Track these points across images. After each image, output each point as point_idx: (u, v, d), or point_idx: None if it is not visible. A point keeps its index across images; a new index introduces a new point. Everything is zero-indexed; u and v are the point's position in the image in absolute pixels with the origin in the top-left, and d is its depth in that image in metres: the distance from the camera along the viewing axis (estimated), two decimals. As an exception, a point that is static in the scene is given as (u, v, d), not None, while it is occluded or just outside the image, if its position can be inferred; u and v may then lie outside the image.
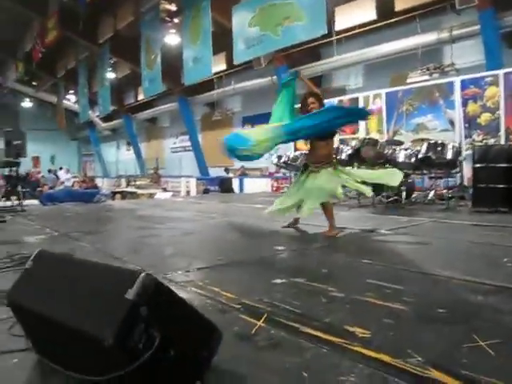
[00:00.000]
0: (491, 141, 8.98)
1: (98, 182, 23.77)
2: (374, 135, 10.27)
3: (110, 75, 22.46)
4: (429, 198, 8.07)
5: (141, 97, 23.22)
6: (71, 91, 28.67)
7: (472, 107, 9.39)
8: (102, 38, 20.56)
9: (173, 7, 17.20)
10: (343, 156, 8.34)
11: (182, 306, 1.44)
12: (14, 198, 8.43)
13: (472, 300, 2.31)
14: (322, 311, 2.13)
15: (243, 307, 2.22)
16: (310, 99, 4.74)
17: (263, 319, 2.02)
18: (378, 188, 6.04)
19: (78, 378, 1.34)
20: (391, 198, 7.61)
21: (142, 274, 1.30)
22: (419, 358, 1.60)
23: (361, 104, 11.29)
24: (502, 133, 8.90)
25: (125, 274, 1.36)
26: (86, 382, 1.33)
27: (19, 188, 8.31)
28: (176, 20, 17.47)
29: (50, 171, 21.66)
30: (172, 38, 18.10)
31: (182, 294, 2.47)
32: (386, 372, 1.52)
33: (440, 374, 1.50)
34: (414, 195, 8.41)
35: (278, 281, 2.70)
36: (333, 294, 2.41)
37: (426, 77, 10.96)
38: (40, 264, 1.60)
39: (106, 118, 27.69)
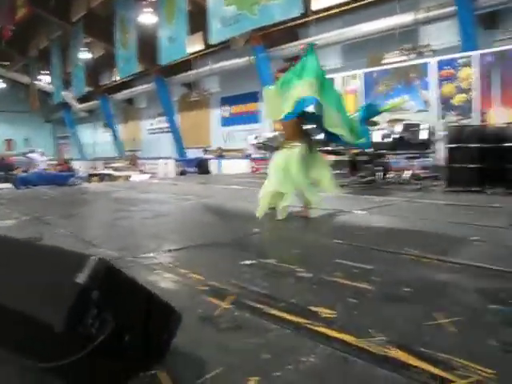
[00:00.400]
0: (465, 121, 9.06)
1: (75, 164, 23.41)
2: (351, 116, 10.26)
3: (85, 55, 21.92)
4: (404, 178, 8.14)
5: (117, 77, 22.76)
6: (44, 71, 27.94)
7: (447, 88, 9.44)
8: (75, 16, 20.01)
9: (148, -15, 16.81)
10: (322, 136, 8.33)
11: (137, 289, 1.40)
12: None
13: (437, 278, 2.33)
14: (289, 292, 2.13)
15: (210, 289, 2.20)
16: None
17: (228, 301, 2.01)
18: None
19: (32, 366, 1.31)
20: (367, 178, 7.66)
21: (93, 257, 1.27)
22: (382, 338, 1.61)
23: (338, 84, 11.26)
24: (476, 113, 8.98)
25: (76, 258, 1.32)
26: (40, 368, 1.30)
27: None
28: (152, -2, 17.09)
29: (24, 154, 21.15)
30: (147, 18, 17.66)
31: (150, 276, 2.47)
32: (346, 352, 1.52)
33: (401, 352, 1.51)
34: (389, 175, 8.48)
35: (248, 262, 2.69)
36: (301, 275, 2.41)
37: (403, 57, 10.97)
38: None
39: (82, 99, 27.11)
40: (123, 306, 1.33)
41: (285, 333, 1.69)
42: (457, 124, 8.95)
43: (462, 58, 9.32)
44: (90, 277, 1.22)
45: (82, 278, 1.21)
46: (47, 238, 3.48)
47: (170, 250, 3.10)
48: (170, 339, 1.48)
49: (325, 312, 1.87)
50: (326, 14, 13.04)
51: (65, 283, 1.23)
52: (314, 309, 1.90)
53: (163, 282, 2.38)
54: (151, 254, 2.97)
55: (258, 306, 1.96)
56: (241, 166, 14.56)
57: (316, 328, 1.72)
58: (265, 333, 1.68)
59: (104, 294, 1.24)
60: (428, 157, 8.07)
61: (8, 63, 28.36)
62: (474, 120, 8.90)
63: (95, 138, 30.59)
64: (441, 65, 9.53)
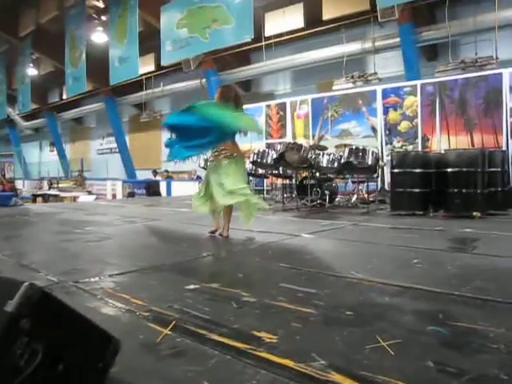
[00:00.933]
0: (410, 147, 9.44)
1: (18, 184, 22.55)
2: (301, 140, 10.48)
3: (32, 71, 21.38)
4: (351, 201, 8.33)
5: (66, 96, 22.28)
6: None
7: (392, 115, 9.83)
8: (23, 31, 19.53)
9: (100, 4, 16.72)
10: (269, 160, 8.43)
11: (73, 316, 1.35)
12: None
13: (378, 301, 2.37)
14: (232, 317, 2.10)
15: (152, 315, 2.15)
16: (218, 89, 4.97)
17: (170, 327, 1.96)
18: None
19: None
20: (315, 202, 7.78)
21: (25, 284, 1.21)
22: (322, 362, 1.61)
23: (288, 108, 11.49)
24: (419, 140, 9.38)
25: (7, 284, 1.26)
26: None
27: None
28: (103, 17, 16.93)
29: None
30: (98, 36, 17.54)
31: (90, 302, 2.39)
32: (288, 377, 1.51)
33: (340, 376, 1.52)
34: (337, 199, 8.66)
35: (192, 286, 2.65)
36: (245, 299, 2.39)
37: (351, 84, 11.33)
38: None
39: (28, 117, 26.32)
40: (57, 334, 1.28)
41: (226, 359, 1.66)
42: (401, 150, 9.32)
43: (406, 86, 9.76)
44: (20, 304, 1.17)
45: (11, 305, 1.15)
46: (-19, 262, 3.32)
47: (112, 275, 3.01)
48: (108, 368, 1.42)
49: (267, 337, 1.85)
50: (277, 40, 13.33)
51: (-8, 311, 1.17)
52: (256, 333, 1.89)
53: (104, 307, 2.30)
54: (93, 279, 2.87)
55: (200, 331, 1.92)
56: (191, 188, 14.45)
57: (258, 353, 1.70)
58: (206, 359, 1.65)
59: (36, 322, 1.19)
60: (375, 181, 8.31)
61: None
62: (419, 146, 9.30)
63: (41, 157, 29.65)
64: (386, 92, 9.93)
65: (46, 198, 17.77)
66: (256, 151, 8.88)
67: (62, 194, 17.91)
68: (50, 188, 20.30)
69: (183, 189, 14.62)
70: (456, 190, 6.31)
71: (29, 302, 1.19)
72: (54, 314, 1.29)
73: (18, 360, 1.16)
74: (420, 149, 9.19)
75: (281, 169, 8.52)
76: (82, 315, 1.40)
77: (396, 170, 6.90)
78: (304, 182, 8.36)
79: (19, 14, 19.64)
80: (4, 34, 19.95)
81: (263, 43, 13.30)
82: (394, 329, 1.96)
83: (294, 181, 9.00)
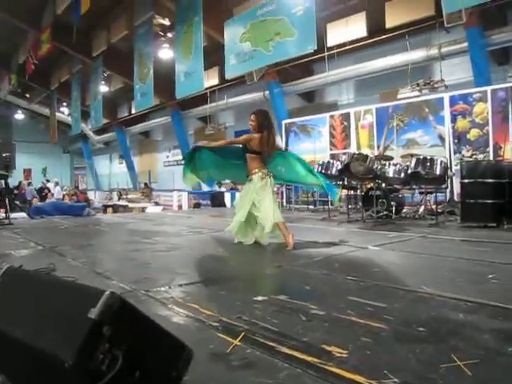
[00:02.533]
0: (480, 156, 9.05)
1: (90, 195, 23.68)
2: (365, 150, 10.32)
3: (103, 88, 22.47)
4: (419, 213, 8.08)
5: (134, 110, 23.23)
6: (64, 104, 28.63)
7: (461, 123, 9.47)
8: (96, 51, 20.60)
9: (166, 22, 17.30)
10: (333, 171, 8.36)
11: (149, 324, 1.40)
12: (2, 210, 8.36)
13: (453, 318, 2.28)
14: (301, 330, 2.10)
15: (221, 325, 2.18)
16: (252, 116, 5.11)
17: (240, 338, 1.98)
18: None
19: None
20: (380, 213, 7.61)
21: (107, 293, 1.27)
22: (395, 379, 1.58)
23: (352, 119, 11.37)
24: (491, 148, 8.96)
25: (89, 292, 1.33)
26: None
27: (7, 201, 8.23)
28: (169, 34, 17.54)
29: (29, 184, 21.29)
30: (165, 53, 18.19)
31: (161, 311, 2.46)
32: (359, 393, 1.49)
33: (415, 395, 1.47)
34: (403, 210, 8.43)
35: (260, 298, 2.67)
36: (313, 312, 2.38)
37: (416, 93, 11.03)
38: (7, 281, 1.56)
39: (99, 131, 27.66)
40: (135, 341, 1.33)
41: (296, 372, 1.66)
42: (471, 159, 8.94)
43: (475, 92, 9.38)
44: (102, 312, 1.23)
45: (94, 312, 1.21)
46: (60, 269, 3.51)
47: (181, 285, 3.09)
48: (181, 377, 1.46)
49: (337, 351, 1.83)
50: (340, 50, 13.25)
51: (77, 318, 1.23)
52: (326, 347, 1.87)
53: (175, 316, 2.36)
54: (163, 288, 2.97)
55: (270, 343, 1.93)
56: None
57: (328, 368, 1.68)
58: (276, 372, 1.66)
59: (116, 330, 1.24)
60: (443, 192, 8.02)
61: (30, 95, 29.16)
62: (490, 155, 8.89)
63: (111, 170, 31.03)
64: (454, 100, 9.59)
65: (115, 208, 18.51)
66: (321, 162, 8.85)
67: (131, 205, 18.59)
68: (119, 199, 21.15)
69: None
70: (533, 201, 5.97)
71: (110, 310, 1.25)
72: (132, 322, 1.34)
73: (100, 365, 1.21)
74: (492, 158, 8.78)
75: (346, 180, 8.43)
76: (157, 324, 1.45)
77: (466, 180, 6.63)
78: (369, 192, 8.21)
79: (92, 35, 20.77)
80: (79, 54, 21.15)
81: (326, 54, 13.25)
82: (470, 348, 1.88)
83: (359, 192, 8.86)
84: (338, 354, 1.80)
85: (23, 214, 10.10)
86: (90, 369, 1.19)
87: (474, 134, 9.29)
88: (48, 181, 21.16)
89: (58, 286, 1.48)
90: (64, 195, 15.73)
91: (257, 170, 4.95)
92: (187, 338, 1.56)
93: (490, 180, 6.42)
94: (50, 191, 19.19)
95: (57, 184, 19.90)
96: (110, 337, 1.23)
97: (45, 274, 3.26)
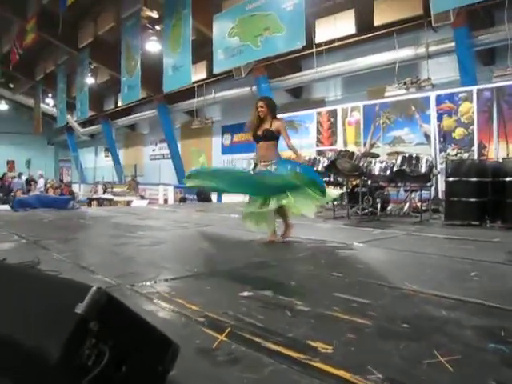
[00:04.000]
0: (465, 155, 9.15)
1: (75, 188, 23.47)
2: (352, 147, 10.38)
3: (90, 80, 22.26)
4: (404, 210, 8.15)
5: (120, 103, 23.06)
6: (49, 95, 28.31)
7: (447, 122, 9.56)
8: (82, 42, 20.39)
9: (154, 14, 17.14)
10: (319, 167, 8.39)
11: (135, 320, 1.40)
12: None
13: (435, 314, 2.31)
14: (286, 326, 2.11)
15: (207, 320, 2.19)
16: (260, 103, 4.95)
17: (225, 333, 1.99)
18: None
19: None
20: (366, 210, 7.67)
21: (93, 288, 1.26)
22: (378, 375, 1.59)
23: (339, 115, 11.41)
24: (475, 148, 9.07)
25: (76, 287, 1.32)
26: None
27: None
28: (157, 27, 17.43)
29: (19, 176, 21.11)
30: (153, 45, 18.05)
31: (147, 306, 2.46)
32: (344, 389, 1.51)
33: (398, 391, 1.50)
34: (389, 207, 8.50)
35: (246, 293, 2.67)
36: (298, 308, 2.39)
37: (403, 91, 11.12)
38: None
39: (85, 123, 27.42)
40: (122, 336, 1.33)
41: (281, 368, 1.67)
42: (456, 157, 9.04)
43: (461, 92, 9.48)
44: (89, 307, 1.22)
45: (81, 308, 1.21)
46: (44, 263, 3.47)
47: (167, 279, 3.09)
48: (167, 372, 1.46)
49: (322, 347, 1.85)
50: (328, 46, 13.28)
51: (63, 313, 1.23)
52: (311, 343, 1.89)
53: (160, 311, 2.36)
54: (148, 283, 2.96)
55: (256, 339, 1.94)
56: (241, 195, 14.56)
57: (313, 363, 1.70)
58: (261, 368, 1.66)
59: (103, 325, 1.24)
60: (428, 189, 8.10)
61: (14, 86, 28.75)
62: (475, 154, 8.99)
63: (96, 162, 30.78)
64: (440, 99, 9.68)
65: (100, 201, 18.39)
66: (307, 158, 8.86)
67: (116, 198, 18.47)
68: (104, 192, 21.00)
69: (233, 195, 14.76)
70: (515, 201, 6.05)
71: (97, 305, 1.24)
72: (118, 318, 1.34)
73: (86, 360, 1.21)
74: (476, 157, 8.89)
75: (332, 176, 8.47)
76: (144, 319, 1.45)
77: (451, 179, 6.71)
78: (355, 189, 8.26)
79: (79, 26, 20.55)
80: (65, 45, 20.89)
81: (314, 50, 13.28)
82: (453, 344, 1.91)
83: (345, 188, 8.91)
84: (323, 350, 1.82)
85: (6, 207, 9.97)
86: (76, 364, 1.19)
87: (459, 132, 9.39)
88: (42, 176, 20.79)
89: (43, 281, 1.46)
90: (48, 188, 15.57)
91: (275, 161, 4.83)
92: (173, 333, 1.56)
93: (474, 179, 6.50)
94: (35, 183, 18.97)
95: (41, 176, 19.66)
96: (96, 332, 1.23)
97: (29, 267, 3.23)
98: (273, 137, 4.91)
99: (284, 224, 4.97)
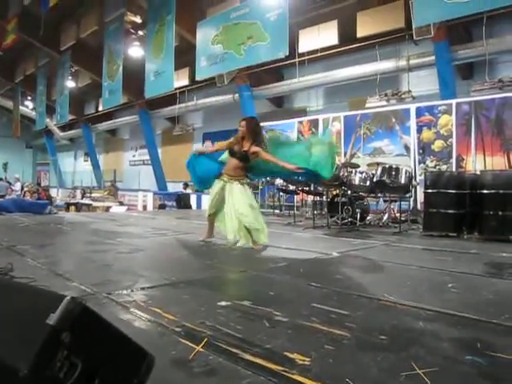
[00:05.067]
0: (443, 167, 9.28)
1: (53, 192, 23.12)
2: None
3: (70, 84, 22.01)
4: (383, 220, 8.22)
5: (101, 107, 22.84)
6: (29, 97, 27.90)
7: (426, 134, 9.69)
8: (64, 45, 20.14)
9: (138, 19, 17.07)
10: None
11: (110, 331, 1.36)
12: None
13: (413, 326, 2.32)
14: (264, 336, 2.09)
15: (184, 330, 2.15)
16: (242, 122, 5.17)
17: (202, 344, 1.96)
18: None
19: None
20: (346, 220, 7.70)
21: (67, 298, 1.23)
22: (357, 388, 1.58)
23: (320, 125, 11.48)
24: (454, 160, 9.21)
25: (49, 297, 1.28)
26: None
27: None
28: (140, 32, 17.34)
29: (1, 179, 20.75)
30: (135, 50, 17.94)
31: (122, 315, 2.41)
32: (321, 402, 1.49)
33: (375, 404, 1.49)
34: (368, 217, 8.55)
35: (223, 303, 2.65)
36: (277, 319, 2.37)
37: (384, 102, 11.25)
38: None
39: (64, 127, 27.06)
40: (95, 348, 1.29)
41: (259, 380, 1.65)
42: (435, 169, 9.17)
43: (440, 105, 9.63)
44: (62, 318, 1.18)
45: (53, 318, 1.17)
46: (18, 269, 3.40)
47: (144, 288, 3.04)
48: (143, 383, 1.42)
49: (300, 359, 1.83)
50: (311, 56, 13.37)
51: (34, 324, 1.19)
52: (289, 355, 1.87)
53: (137, 321, 2.32)
54: (125, 291, 2.91)
55: (233, 350, 1.91)
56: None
57: (291, 376, 1.68)
58: (239, 380, 1.64)
59: (76, 336, 1.20)
60: (407, 200, 8.18)
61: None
62: (453, 166, 9.13)
63: (75, 167, 30.38)
64: (420, 111, 9.81)
65: (78, 206, 18.15)
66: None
67: (95, 204, 18.25)
68: (82, 197, 20.73)
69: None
70: (492, 213, 6.13)
71: (70, 315, 1.21)
72: (92, 329, 1.30)
73: (57, 372, 1.17)
74: (454, 169, 9.02)
75: (312, 185, 8.50)
76: (119, 330, 1.41)
77: (430, 190, 6.78)
78: (335, 199, 8.30)
79: (61, 29, 20.30)
80: (46, 47, 20.61)
81: (297, 60, 13.36)
82: (430, 356, 1.91)
83: (324, 198, 8.94)
84: (301, 362, 1.80)
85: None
86: (47, 377, 1.15)
87: (438, 145, 9.52)
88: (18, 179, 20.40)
89: (14, 290, 1.42)
90: (25, 192, 15.29)
91: (240, 179, 5.17)
92: (149, 344, 1.53)
93: (453, 191, 6.58)
94: (11, 186, 18.61)
95: (17, 180, 19.30)
96: (68, 343, 1.19)
97: (1, 274, 3.15)
98: (245, 159, 5.10)
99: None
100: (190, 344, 1.97)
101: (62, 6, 16.12)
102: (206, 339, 2.01)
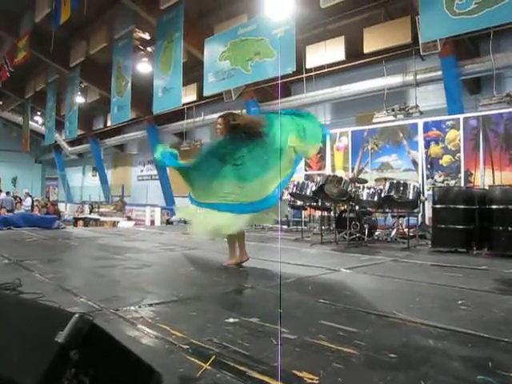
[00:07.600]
0: (452, 182, 9.25)
1: (61, 207, 23.22)
2: (340, 172, 10.43)
3: (80, 99, 22.23)
4: (391, 236, 8.17)
5: (110, 123, 23.01)
6: (38, 113, 28.20)
7: (434, 149, 9.68)
8: (73, 61, 20.37)
9: (146, 36, 17.29)
10: (308, 192, 8.42)
11: (118, 349, 1.36)
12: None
13: (423, 344, 2.29)
14: (272, 354, 2.07)
15: (191, 348, 2.14)
16: (219, 120, 4.80)
17: (210, 361, 1.95)
18: None
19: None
20: (353, 236, 7.67)
21: (76, 315, 1.23)
22: (366, 408, 1.56)
23: (328, 140, 11.48)
24: (462, 175, 9.17)
25: (57, 314, 1.29)
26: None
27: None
28: (149, 49, 17.55)
29: (8, 193, 20.79)
30: (144, 67, 18.14)
31: (130, 331, 2.41)
32: (330, 422, 1.47)
33: (385, 425, 1.46)
34: (376, 233, 8.51)
35: (231, 320, 2.63)
36: (285, 336, 2.35)
37: (391, 117, 11.26)
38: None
39: (73, 142, 27.29)
40: (103, 366, 1.29)
41: (267, 399, 1.64)
42: (443, 184, 9.14)
43: (448, 120, 9.63)
44: (70, 336, 1.19)
45: (62, 336, 1.17)
46: (26, 284, 3.41)
47: (152, 304, 3.03)
48: (148, 403, 1.42)
49: (308, 377, 1.81)
50: (318, 72, 13.44)
51: (43, 341, 1.19)
52: (297, 373, 1.85)
53: (144, 338, 2.31)
54: (133, 308, 2.90)
55: (241, 368, 1.90)
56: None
57: (299, 395, 1.66)
58: (246, 398, 1.63)
59: (84, 354, 1.20)
60: (415, 216, 8.14)
61: (3, 102, 28.63)
62: (461, 181, 9.09)
63: (84, 182, 30.56)
64: (428, 126, 9.82)
65: (86, 221, 18.19)
66: (295, 183, 8.89)
67: (102, 219, 18.30)
68: (90, 212, 20.80)
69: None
70: (501, 228, 6.09)
71: (79, 333, 1.21)
72: (101, 346, 1.30)
73: (65, 391, 1.17)
74: (463, 184, 8.99)
75: (319, 201, 8.49)
76: (127, 348, 1.41)
77: (438, 206, 6.75)
78: (343, 214, 8.27)
79: (70, 45, 20.56)
80: (56, 64, 20.89)
81: (304, 75, 13.44)
82: (441, 375, 1.88)
83: (332, 213, 8.92)
84: (309, 380, 1.78)
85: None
86: (55, 395, 1.15)
87: (446, 160, 9.50)
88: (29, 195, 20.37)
89: (23, 306, 1.42)
90: (34, 206, 15.37)
91: None
92: (156, 361, 1.53)
93: (461, 206, 6.54)
94: (21, 201, 18.67)
95: (28, 195, 19.37)
96: (76, 361, 1.19)
97: (9, 289, 3.16)
98: None
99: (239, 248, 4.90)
100: (198, 361, 1.96)
101: (71, 22, 16.33)
102: (213, 357, 2.00)
